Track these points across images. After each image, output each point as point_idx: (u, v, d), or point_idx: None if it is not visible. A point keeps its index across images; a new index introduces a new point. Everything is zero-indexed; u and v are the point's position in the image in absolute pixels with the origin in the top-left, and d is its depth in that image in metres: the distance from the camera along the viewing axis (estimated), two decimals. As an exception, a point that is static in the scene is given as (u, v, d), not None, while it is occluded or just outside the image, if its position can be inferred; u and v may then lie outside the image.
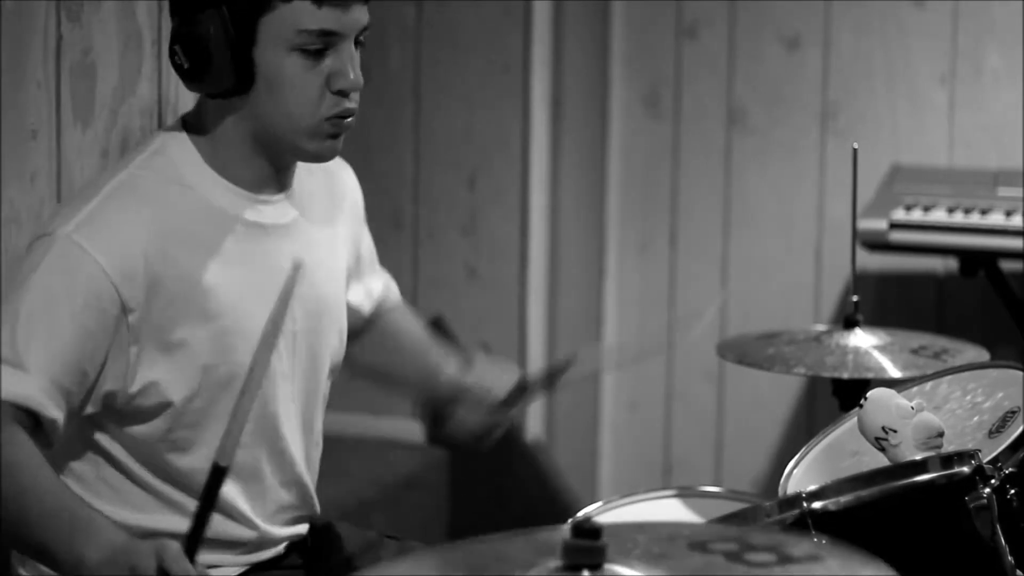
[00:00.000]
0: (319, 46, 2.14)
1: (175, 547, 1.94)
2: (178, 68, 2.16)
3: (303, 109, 2.16)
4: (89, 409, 2.15)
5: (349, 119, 2.19)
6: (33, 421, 2.08)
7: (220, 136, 2.21)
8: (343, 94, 2.16)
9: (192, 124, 2.24)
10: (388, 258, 4.20)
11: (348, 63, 2.16)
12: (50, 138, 2.66)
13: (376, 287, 2.58)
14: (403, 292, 4.22)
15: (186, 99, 2.89)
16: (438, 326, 2.55)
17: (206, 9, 2.12)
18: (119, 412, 2.18)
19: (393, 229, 4.15)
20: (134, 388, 2.15)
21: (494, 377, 2.55)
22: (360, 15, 2.17)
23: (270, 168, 2.23)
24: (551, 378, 2.58)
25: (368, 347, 2.56)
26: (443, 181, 4.14)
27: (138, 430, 2.19)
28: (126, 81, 2.78)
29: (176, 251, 2.15)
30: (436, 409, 2.54)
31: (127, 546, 1.99)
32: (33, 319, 2.08)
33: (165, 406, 2.18)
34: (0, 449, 2.04)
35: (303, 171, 2.30)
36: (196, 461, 2.19)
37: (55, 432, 2.11)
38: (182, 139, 2.22)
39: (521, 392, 2.53)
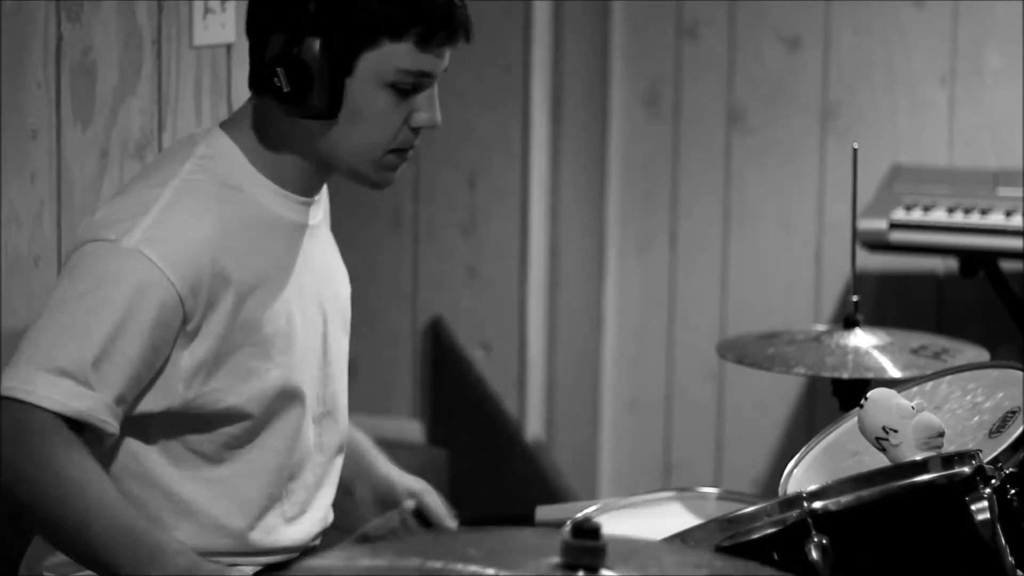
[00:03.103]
0: (411, 86, 2.17)
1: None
2: (275, 89, 2.15)
3: (380, 142, 2.19)
4: (148, 411, 2.16)
5: (410, 152, 2.23)
6: (90, 431, 2.09)
7: (280, 148, 2.21)
8: (416, 131, 2.21)
9: (243, 129, 2.23)
10: (388, 258, 4.22)
11: (431, 102, 2.20)
12: (50, 138, 2.66)
13: None
14: (403, 292, 4.24)
15: (186, 99, 2.89)
16: (437, 329, 2.57)
17: (311, 35, 2.12)
18: (178, 419, 2.18)
19: (393, 229, 4.15)
20: (191, 394, 2.16)
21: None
22: (448, 58, 2.20)
23: (317, 177, 2.26)
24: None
25: None
26: (443, 181, 4.15)
27: (195, 439, 2.20)
28: (126, 81, 2.78)
29: (235, 256, 2.16)
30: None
31: (192, 567, 1.99)
32: (103, 336, 2.07)
33: (228, 413, 2.19)
34: (62, 465, 2.04)
35: None
36: (237, 468, 2.22)
37: (109, 440, 2.12)
38: (227, 143, 2.22)
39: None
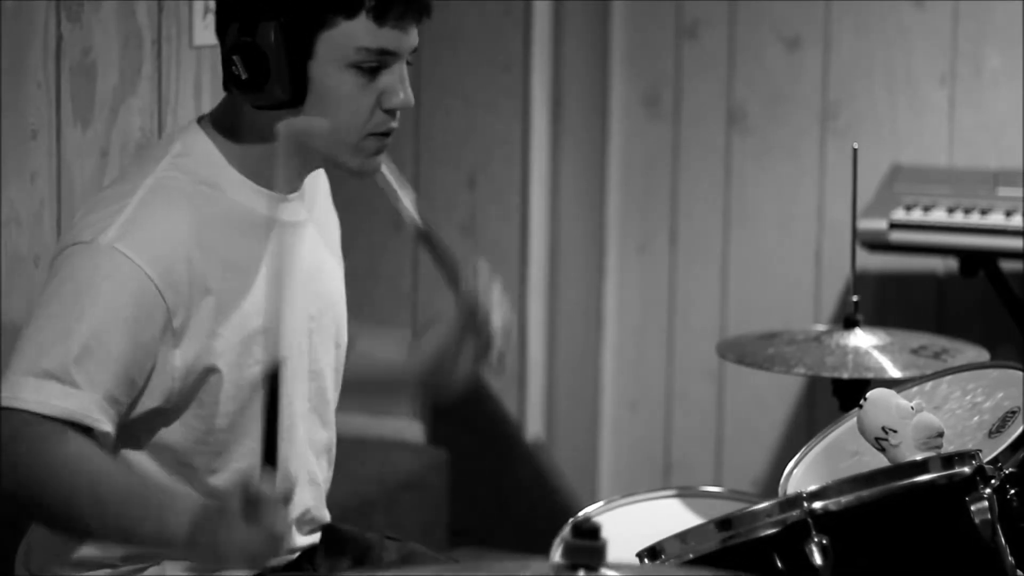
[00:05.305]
0: (375, 64, 2.15)
1: (251, 485, 1.93)
2: (234, 78, 2.14)
3: (352, 125, 2.16)
4: (134, 414, 2.15)
5: (389, 137, 2.20)
6: (84, 432, 2.07)
7: (254, 142, 2.19)
8: (392, 113, 2.18)
9: (218, 126, 2.22)
10: (388, 258, 4.21)
11: (401, 82, 2.17)
12: (50, 138, 2.66)
13: None
14: (403, 292, 4.24)
15: (186, 99, 2.89)
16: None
17: (266, 20, 2.12)
18: (163, 415, 2.17)
19: (393, 229, 4.14)
20: (178, 389, 2.15)
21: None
22: (415, 36, 2.19)
23: (295, 172, 2.24)
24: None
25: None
26: (443, 181, 4.14)
27: (175, 437, 2.18)
28: (126, 81, 2.79)
29: (212, 253, 2.15)
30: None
31: (204, 512, 1.96)
32: (83, 334, 2.06)
33: (206, 406, 2.17)
34: (59, 449, 2.03)
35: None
36: (228, 477, 2.19)
37: (108, 444, 2.11)
38: (203, 140, 2.21)
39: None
